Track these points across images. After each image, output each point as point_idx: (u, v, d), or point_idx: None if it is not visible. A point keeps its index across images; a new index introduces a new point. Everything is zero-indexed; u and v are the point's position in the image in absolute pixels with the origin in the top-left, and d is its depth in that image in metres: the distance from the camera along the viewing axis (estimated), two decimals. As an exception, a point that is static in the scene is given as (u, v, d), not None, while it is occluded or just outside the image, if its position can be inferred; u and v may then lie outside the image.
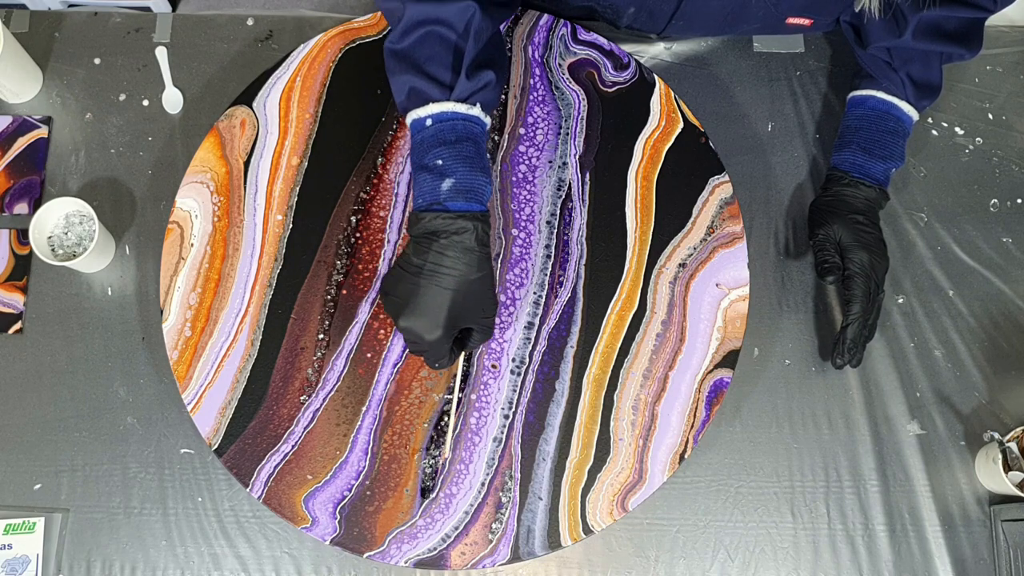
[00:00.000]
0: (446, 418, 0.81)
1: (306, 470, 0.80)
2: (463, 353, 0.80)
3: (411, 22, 0.74)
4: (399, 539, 0.78)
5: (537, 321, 0.84)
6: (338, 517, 0.79)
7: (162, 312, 0.83)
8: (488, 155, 0.78)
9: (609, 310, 0.84)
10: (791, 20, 0.88)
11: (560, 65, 0.91)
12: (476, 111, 0.75)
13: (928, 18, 0.83)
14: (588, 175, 0.88)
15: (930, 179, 0.95)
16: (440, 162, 0.74)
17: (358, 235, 0.86)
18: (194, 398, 0.81)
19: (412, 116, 0.76)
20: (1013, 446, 0.82)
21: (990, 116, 0.97)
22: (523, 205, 0.87)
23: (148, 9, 1.00)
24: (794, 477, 0.86)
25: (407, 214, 0.77)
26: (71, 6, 1.00)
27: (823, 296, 0.90)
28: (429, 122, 0.74)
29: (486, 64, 0.76)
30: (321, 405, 0.81)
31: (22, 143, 0.93)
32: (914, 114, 0.87)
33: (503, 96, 0.90)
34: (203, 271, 0.84)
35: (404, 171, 0.88)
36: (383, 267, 0.85)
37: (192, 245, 0.85)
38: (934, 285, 0.91)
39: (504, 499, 0.79)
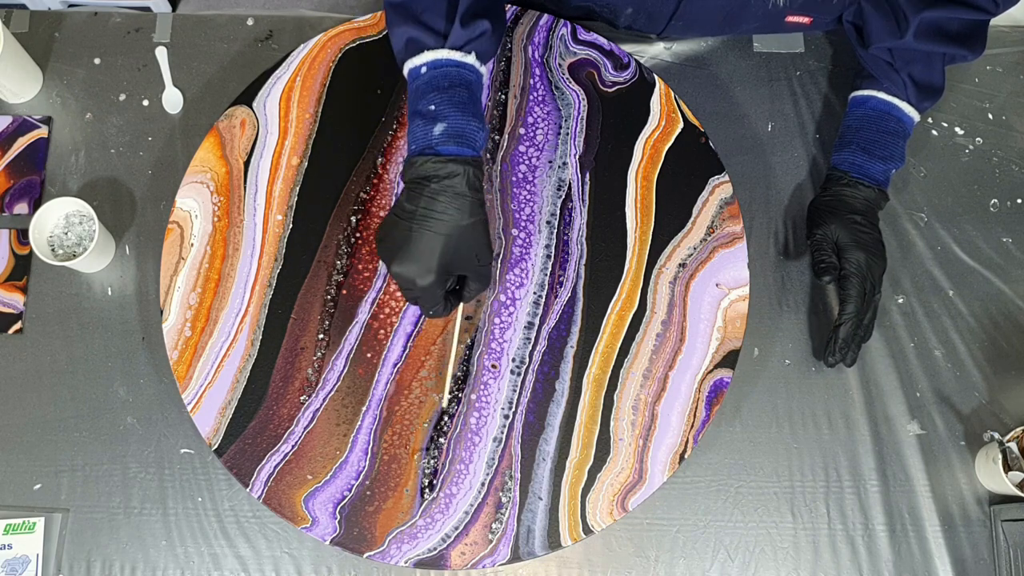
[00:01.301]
0: (446, 417, 0.81)
1: (306, 470, 0.80)
2: (460, 304, 0.80)
3: None
4: (399, 539, 0.78)
5: (537, 321, 0.84)
6: (338, 517, 0.79)
7: (162, 312, 0.83)
8: (483, 103, 0.78)
9: (609, 310, 0.84)
10: (791, 18, 0.88)
11: (560, 65, 0.91)
12: (471, 59, 0.76)
13: (930, 19, 0.83)
14: (588, 175, 0.88)
15: (930, 179, 0.95)
16: (433, 107, 0.74)
17: (358, 235, 0.86)
18: (194, 398, 0.81)
19: (408, 65, 0.76)
20: (1013, 446, 0.82)
21: (990, 116, 0.97)
22: (523, 205, 0.87)
23: (148, 9, 1.00)
24: (794, 477, 0.86)
25: (403, 161, 0.77)
26: (71, 6, 1.00)
27: (823, 296, 0.90)
28: (424, 70, 0.75)
29: (481, 14, 0.76)
30: (321, 405, 0.81)
31: (22, 143, 0.93)
32: (915, 115, 0.87)
33: (502, 96, 0.90)
34: (203, 271, 0.84)
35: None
36: (383, 267, 0.85)
37: (192, 245, 0.85)
38: (934, 285, 0.91)
39: (504, 499, 0.80)
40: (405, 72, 0.77)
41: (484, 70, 0.78)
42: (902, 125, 0.87)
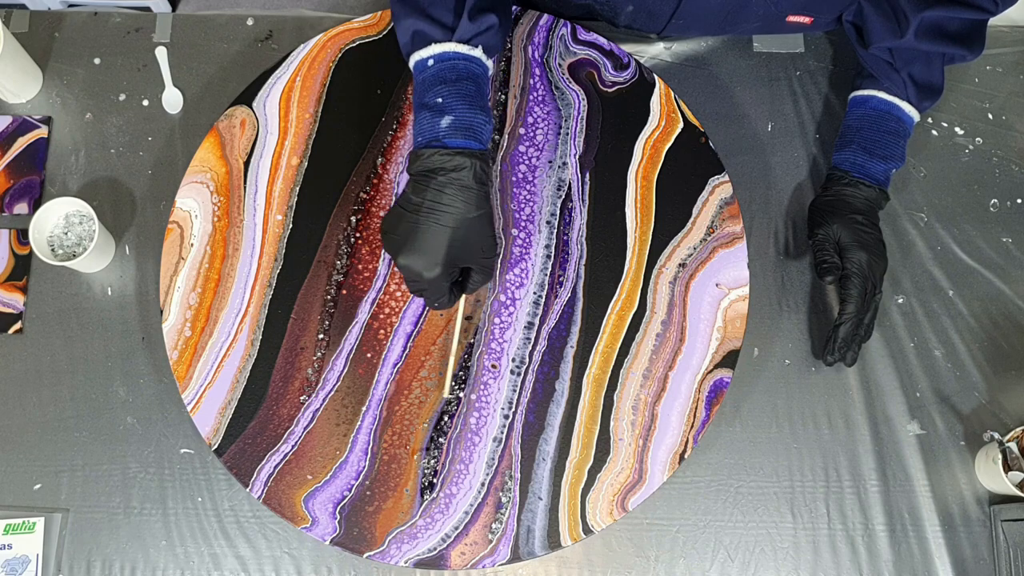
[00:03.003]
0: (446, 417, 0.81)
1: (306, 470, 0.80)
2: (463, 296, 0.81)
3: None
4: (399, 539, 0.78)
5: (537, 321, 0.84)
6: (338, 517, 0.79)
7: (162, 312, 0.83)
8: (489, 96, 0.79)
9: (609, 310, 0.84)
10: (791, 18, 0.88)
11: (560, 65, 0.91)
12: (478, 52, 0.76)
13: (930, 19, 0.83)
14: (588, 175, 0.88)
15: (930, 179, 0.95)
16: (440, 100, 0.74)
17: (358, 235, 0.86)
18: (194, 398, 0.81)
19: (415, 58, 0.77)
20: (1013, 446, 0.82)
21: (990, 116, 0.97)
22: (523, 205, 0.87)
23: (148, 9, 1.00)
24: (794, 477, 0.86)
25: (408, 154, 0.79)
26: (71, 6, 1.00)
27: (823, 296, 0.90)
28: (431, 62, 0.75)
29: (489, 8, 0.77)
30: (321, 405, 0.81)
31: (22, 143, 0.93)
32: (915, 115, 0.87)
33: (502, 96, 0.90)
34: (203, 271, 0.84)
35: (404, 171, 0.88)
36: (383, 267, 0.85)
37: (192, 245, 0.85)
38: (934, 285, 0.91)
39: (504, 499, 0.80)
40: (411, 64, 0.77)
41: (491, 64, 0.79)
42: (902, 125, 0.87)
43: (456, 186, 0.73)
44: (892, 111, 0.86)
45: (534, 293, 0.85)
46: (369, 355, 0.83)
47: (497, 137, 0.89)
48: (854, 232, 0.84)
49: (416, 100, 0.76)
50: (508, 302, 0.84)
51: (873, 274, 0.83)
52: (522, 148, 0.89)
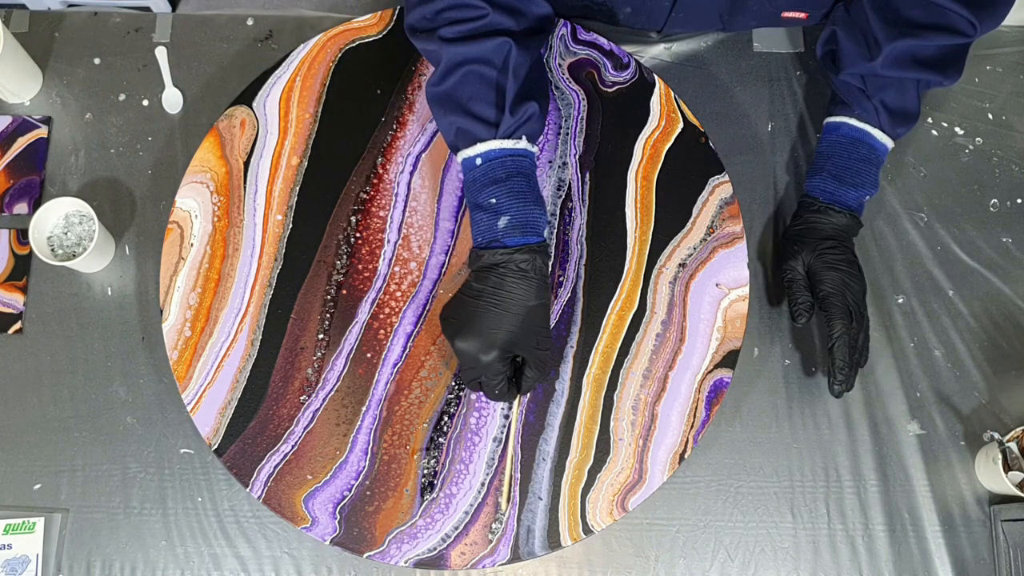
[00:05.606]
0: (446, 417, 0.81)
1: (306, 470, 0.80)
2: (519, 396, 0.79)
3: (451, 63, 0.76)
4: (399, 539, 0.78)
5: (537, 321, 0.84)
6: (338, 517, 0.79)
7: (162, 312, 0.83)
8: (539, 185, 0.81)
9: (609, 310, 0.84)
10: (786, 15, 0.88)
11: (560, 65, 0.91)
12: (523, 144, 0.78)
13: (902, 47, 0.80)
14: (588, 175, 0.88)
15: (930, 179, 0.95)
16: (494, 200, 0.76)
17: (358, 235, 0.86)
18: (194, 398, 0.81)
19: (462, 155, 0.78)
20: (1013, 446, 0.82)
21: (990, 116, 0.97)
22: (523, 205, 0.87)
23: (148, 9, 1.00)
24: (794, 477, 0.86)
25: (469, 251, 0.80)
26: (71, 6, 1.00)
27: (823, 296, 0.90)
28: (479, 161, 0.77)
29: (528, 96, 0.78)
30: (321, 405, 0.81)
31: (22, 143, 0.93)
32: (888, 142, 0.84)
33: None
34: (203, 271, 0.85)
35: (404, 171, 0.88)
36: (383, 267, 0.85)
37: (192, 245, 0.85)
38: (934, 285, 0.91)
39: (504, 499, 0.79)
40: (458, 160, 0.79)
41: (536, 150, 0.80)
42: (874, 152, 0.84)
43: (517, 275, 0.75)
44: (864, 138, 0.84)
45: (534, 293, 0.85)
46: (369, 355, 0.83)
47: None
48: (823, 257, 0.82)
49: (469, 198, 0.78)
50: (508, 302, 0.84)
51: (852, 293, 0.81)
52: (522, 148, 0.88)
